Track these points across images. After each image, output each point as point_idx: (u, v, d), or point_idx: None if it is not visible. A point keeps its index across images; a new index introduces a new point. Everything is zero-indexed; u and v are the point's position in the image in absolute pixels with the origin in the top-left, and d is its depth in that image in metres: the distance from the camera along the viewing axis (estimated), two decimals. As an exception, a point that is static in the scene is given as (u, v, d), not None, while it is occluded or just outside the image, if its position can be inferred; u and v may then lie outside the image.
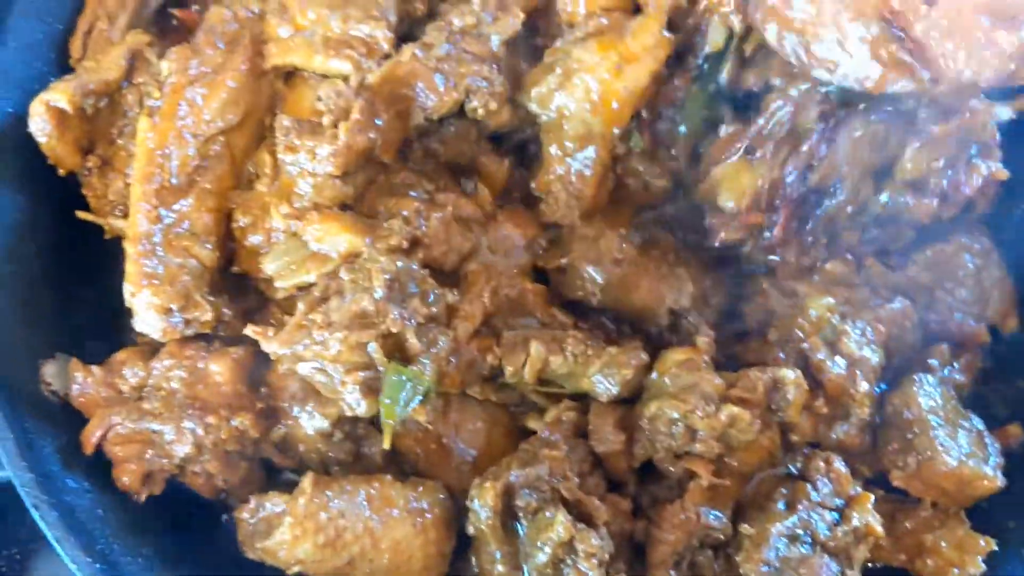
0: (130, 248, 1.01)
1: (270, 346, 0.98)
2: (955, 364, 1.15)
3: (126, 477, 1.01)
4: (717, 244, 1.11)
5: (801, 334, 1.08)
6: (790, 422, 1.03)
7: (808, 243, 1.12)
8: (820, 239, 1.13)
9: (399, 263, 0.98)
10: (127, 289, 1.00)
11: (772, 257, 1.13)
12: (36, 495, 0.94)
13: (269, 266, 1.03)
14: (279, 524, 0.97)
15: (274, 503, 0.99)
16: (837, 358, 1.06)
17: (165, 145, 1.03)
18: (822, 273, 1.14)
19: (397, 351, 0.97)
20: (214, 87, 1.05)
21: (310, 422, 1.03)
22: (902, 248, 1.17)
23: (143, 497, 1.02)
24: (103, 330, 1.09)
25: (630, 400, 1.06)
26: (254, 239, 1.06)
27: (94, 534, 0.97)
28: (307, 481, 0.98)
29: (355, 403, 0.96)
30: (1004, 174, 1.10)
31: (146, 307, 0.99)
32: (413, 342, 0.96)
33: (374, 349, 0.95)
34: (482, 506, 0.98)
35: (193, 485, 1.05)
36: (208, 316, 1.02)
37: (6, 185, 1.08)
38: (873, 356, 1.07)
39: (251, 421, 1.01)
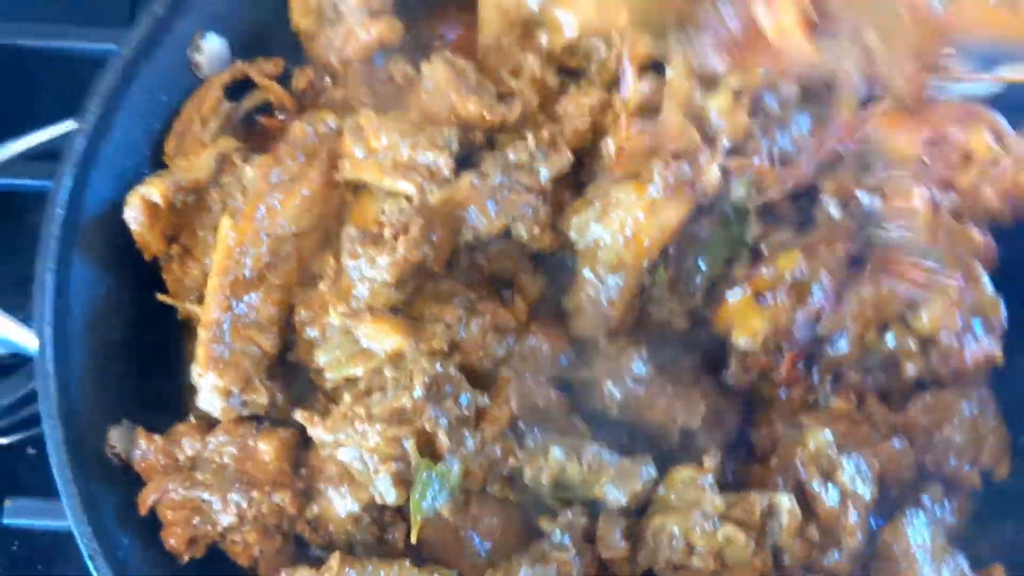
0: (202, 333, 1.12)
1: (315, 431, 1.08)
2: (947, 504, 1.22)
3: (173, 539, 1.11)
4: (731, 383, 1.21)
5: (799, 463, 1.15)
6: (783, 546, 1.10)
7: (813, 383, 1.22)
8: (825, 379, 1.22)
9: (438, 367, 1.09)
10: (195, 370, 1.11)
11: (778, 392, 1.23)
12: (93, 547, 1.04)
13: (322, 358, 1.14)
14: None
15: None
16: (831, 489, 1.13)
17: (243, 243, 1.15)
18: (825, 409, 1.23)
19: (428, 447, 1.07)
20: (291, 195, 1.18)
21: (342, 504, 1.12)
22: (903, 390, 1.26)
23: (186, 558, 1.12)
24: (167, 402, 1.20)
25: (637, 511, 1.14)
26: (311, 332, 1.17)
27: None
28: (335, 560, 1.07)
29: (386, 491, 1.06)
30: (998, 357, 1.20)
31: (210, 388, 1.10)
32: (443, 440, 1.06)
33: (410, 446, 1.05)
34: None
35: (231, 552, 1.14)
36: (264, 400, 1.12)
37: (95, 263, 1.20)
38: (867, 491, 1.14)
39: (290, 499, 1.11)
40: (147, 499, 1.10)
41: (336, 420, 1.07)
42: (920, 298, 1.21)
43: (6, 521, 1.29)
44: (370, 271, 1.13)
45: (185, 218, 1.23)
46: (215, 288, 1.14)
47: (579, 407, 1.22)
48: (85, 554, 1.04)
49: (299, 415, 1.09)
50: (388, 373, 1.09)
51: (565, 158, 1.21)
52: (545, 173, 1.20)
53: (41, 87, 1.61)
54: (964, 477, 1.24)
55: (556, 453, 1.12)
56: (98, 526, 1.07)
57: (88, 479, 1.09)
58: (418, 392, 1.06)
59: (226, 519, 1.10)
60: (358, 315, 1.13)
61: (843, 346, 1.19)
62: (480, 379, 1.16)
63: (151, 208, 1.19)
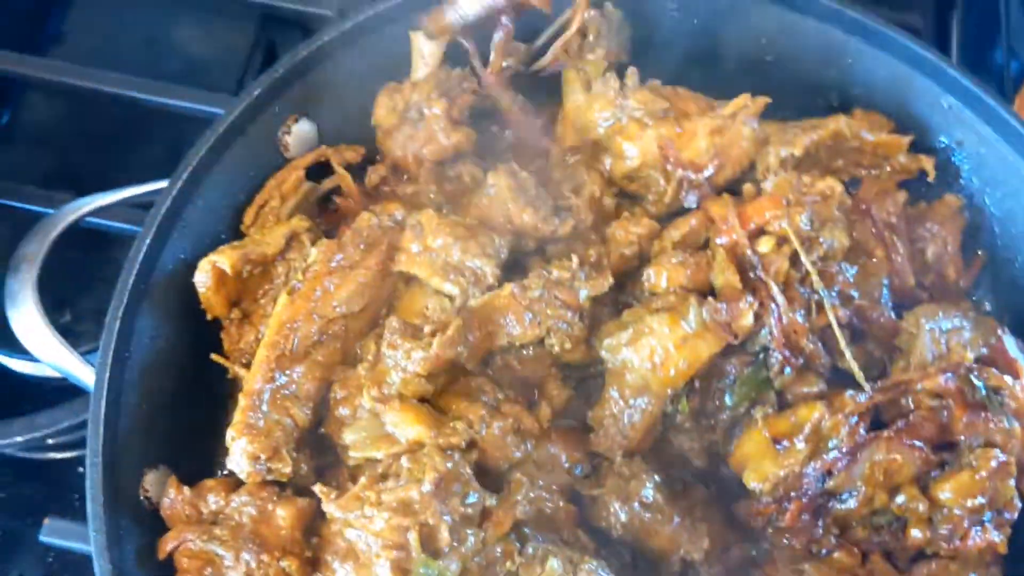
0: (243, 400, 1.20)
1: (329, 507, 1.14)
2: None
3: None
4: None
5: None
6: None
7: (817, 534, 1.23)
8: (830, 531, 1.23)
9: (448, 464, 1.13)
10: (230, 433, 1.19)
11: (783, 537, 1.25)
12: (110, 585, 1.12)
13: (348, 436, 1.21)
14: None
15: None
16: None
17: (295, 320, 1.23)
18: (828, 560, 1.24)
19: (429, 540, 1.11)
20: (347, 280, 1.26)
21: None
22: (909, 551, 1.26)
23: None
24: (204, 457, 1.28)
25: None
26: (343, 411, 1.24)
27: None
28: None
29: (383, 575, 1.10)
30: (1001, 548, 1.20)
31: (240, 452, 1.18)
32: (445, 536, 1.11)
33: (412, 538, 1.10)
34: None
35: None
36: (287, 470, 1.19)
37: (160, 315, 1.29)
38: None
39: (297, 567, 1.16)
40: (166, 545, 1.17)
41: (348, 500, 1.13)
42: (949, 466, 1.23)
43: (43, 538, 1.39)
44: (404, 361, 1.20)
45: (249, 286, 1.32)
46: (262, 359, 1.22)
47: (586, 522, 1.26)
48: (102, 592, 1.12)
49: (317, 488, 1.15)
50: (404, 463, 1.14)
51: (606, 282, 1.27)
52: (584, 293, 1.26)
53: (155, 139, 1.75)
54: None
55: (554, 564, 1.15)
56: (118, 563, 1.14)
57: (118, 518, 1.17)
58: (427, 487, 1.11)
59: (233, 574, 1.16)
60: (388, 400, 1.19)
61: (851, 503, 1.21)
62: (492, 478, 1.21)
63: (220, 275, 1.28)
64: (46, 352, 1.31)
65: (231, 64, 1.79)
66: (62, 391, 1.52)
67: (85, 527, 1.26)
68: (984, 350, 1.30)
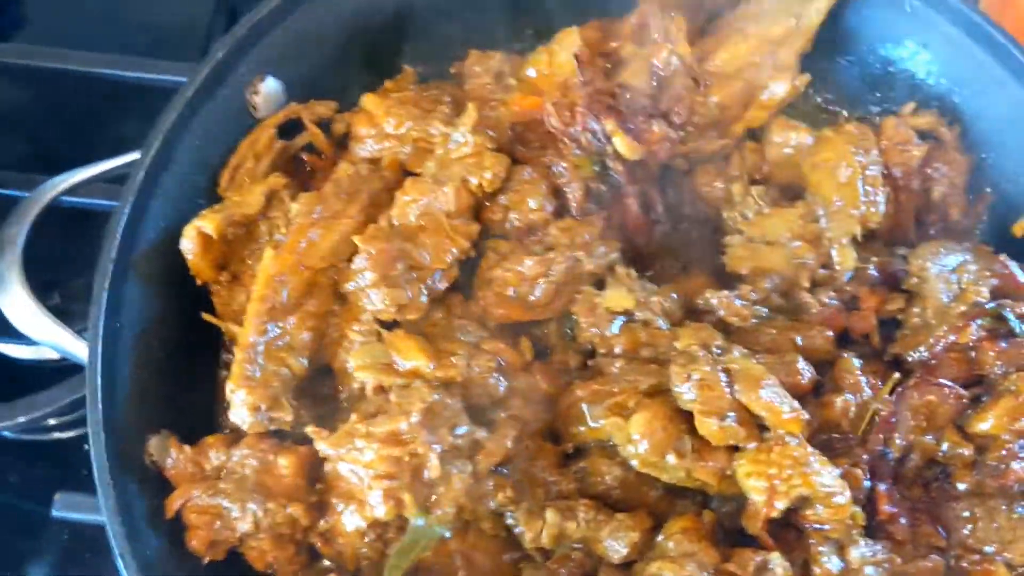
0: (238, 353, 1.22)
1: (320, 445, 1.17)
2: None
3: (195, 541, 1.20)
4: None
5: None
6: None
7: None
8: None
9: (435, 396, 1.15)
10: (229, 386, 1.21)
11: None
12: (123, 546, 1.14)
13: (352, 361, 1.22)
14: None
15: None
16: (835, 559, 1.15)
17: (282, 273, 1.24)
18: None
19: (419, 471, 1.13)
20: (331, 230, 1.27)
21: (351, 519, 1.19)
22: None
23: (207, 560, 1.21)
24: (203, 416, 1.30)
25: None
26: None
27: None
28: None
29: (376, 505, 1.13)
30: None
31: (240, 403, 1.19)
32: (434, 464, 1.13)
33: (409, 501, 1.11)
34: None
35: (248, 557, 1.23)
36: (288, 417, 1.21)
37: (148, 285, 1.30)
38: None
39: (302, 511, 1.19)
40: (173, 504, 1.20)
41: (340, 436, 1.15)
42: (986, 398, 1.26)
43: (55, 513, 1.41)
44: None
45: (235, 248, 1.33)
46: (253, 314, 1.23)
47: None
48: (116, 552, 1.14)
49: (310, 429, 1.17)
50: (393, 398, 1.16)
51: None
52: None
53: (127, 114, 1.75)
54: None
55: (553, 514, 1.18)
56: (130, 527, 1.16)
57: (125, 483, 1.19)
58: (415, 417, 1.13)
59: (243, 526, 1.19)
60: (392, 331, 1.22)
61: (916, 459, 1.24)
62: (478, 416, 1.22)
63: (205, 239, 1.29)
64: (39, 331, 1.32)
65: (195, 32, 1.79)
66: (60, 372, 1.54)
67: (95, 498, 1.29)
68: (994, 281, 1.31)
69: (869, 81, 1.57)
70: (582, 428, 1.22)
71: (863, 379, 1.25)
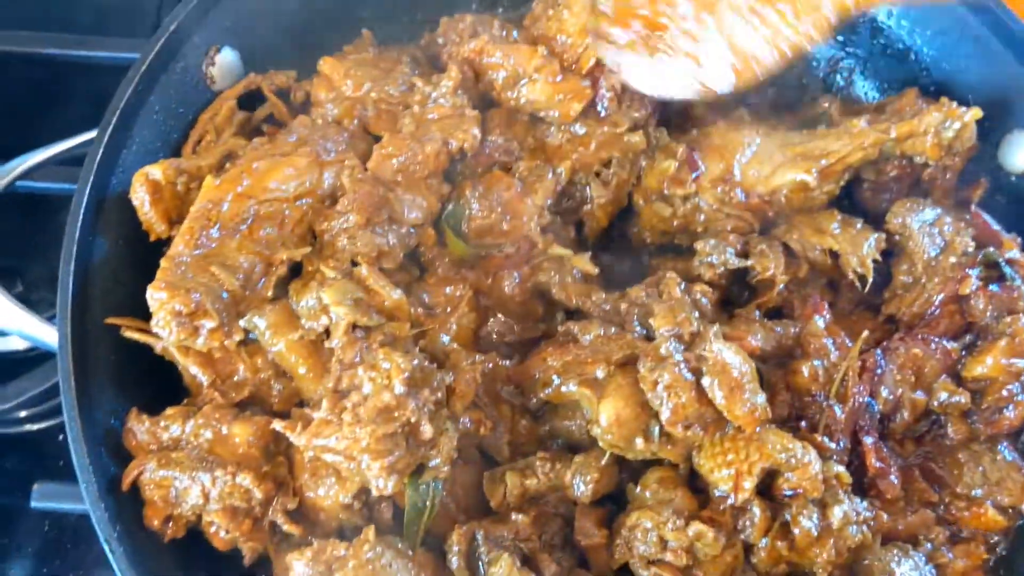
0: (164, 263, 1.19)
1: (299, 440, 1.12)
2: (948, 551, 1.24)
3: (151, 514, 1.18)
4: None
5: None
6: (753, 543, 1.15)
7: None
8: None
9: (415, 361, 1.13)
10: (149, 291, 1.16)
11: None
12: (108, 531, 1.12)
13: (327, 295, 1.18)
14: (342, 567, 1.11)
15: (336, 548, 1.12)
16: (816, 518, 1.15)
17: (222, 201, 1.21)
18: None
19: (413, 436, 1.12)
20: (275, 167, 1.25)
21: (329, 494, 1.17)
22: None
23: (167, 537, 1.18)
24: (178, 395, 1.27)
25: (617, 504, 1.20)
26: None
27: (152, 571, 1.14)
28: (370, 532, 1.12)
29: (382, 484, 1.11)
30: None
31: (158, 304, 1.15)
32: (427, 428, 1.11)
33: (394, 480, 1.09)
34: (448, 548, 1.15)
35: (207, 535, 1.20)
36: (213, 324, 1.15)
37: (116, 265, 1.28)
38: (856, 536, 1.16)
39: (254, 480, 1.16)
40: (128, 476, 1.17)
41: (319, 426, 1.11)
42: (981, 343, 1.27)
43: (34, 504, 1.39)
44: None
45: (189, 202, 1.27)
46: (185, 230, 1.20)
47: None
48: (101, 538, 1.12)
49: (278, 425, 1.14)
50: (362, 373, 1.12)
51: None
52: None
53: (76, 95, 1.70)
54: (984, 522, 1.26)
55: (511, 477, 1.20)
56: (113, 512, 1.14)
57: (106, 468, 1.17)
58: (399, 389, 1.11)
59: (191, 498, 1.16)
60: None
61: (905, 415, 1.26)
62: (435, 358, 1.21)
63: (154, 186, 1.25)
64: (5, 320, 1.29)
65: (145, 7, 1.74)
66: (27, 362, 1.51)
67: (74, 487, 1.25)
68: (970, 231, 1.33)
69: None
70: (549, 391, 1.22)
71: (828, 341, 1.26)
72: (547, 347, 1.24)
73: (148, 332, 1.21)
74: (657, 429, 1.14)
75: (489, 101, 1.39)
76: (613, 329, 1.21)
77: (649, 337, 1.19)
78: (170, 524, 1.18)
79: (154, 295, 1.16)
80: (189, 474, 1.16)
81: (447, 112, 1.30)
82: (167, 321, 1.15)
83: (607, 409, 1.14)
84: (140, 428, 1.20)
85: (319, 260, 1.22)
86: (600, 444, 1.16)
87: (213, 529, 1.18)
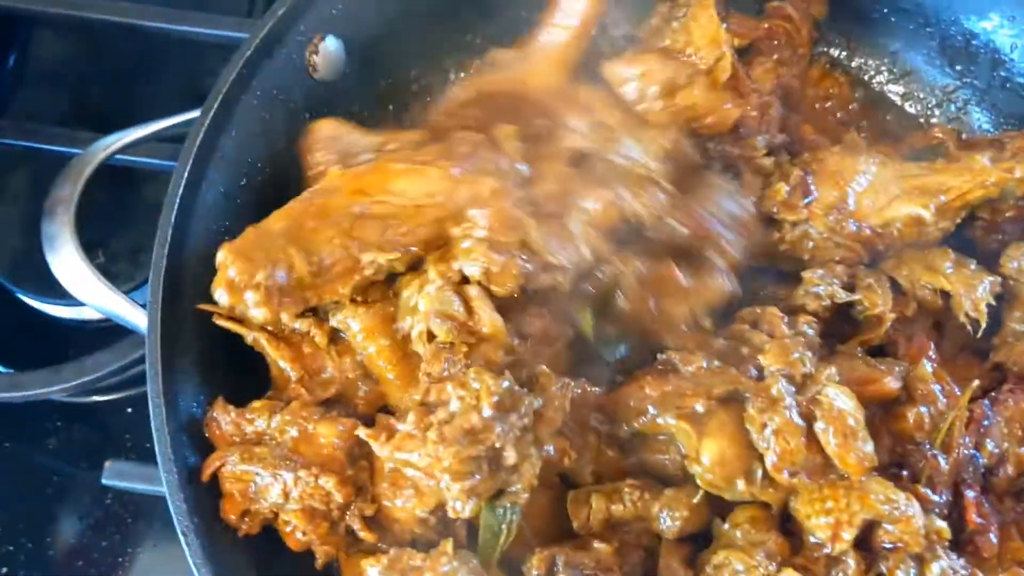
0: (250, 229, 1.17)
1: (383, 451, 1.09)
2: None
3: (228, 509, 1.16)
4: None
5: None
6: (846, 594, 1.11)
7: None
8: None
9: (504, 383, 1.09)
10: (219, 249, 1.15)
11: None
12: (186, 524, 1.10)
13: (422, 302, 1.15)
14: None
15: (413, 558, 1.10)
16: (913, 573, 1.09)
17: (336, 190, 1.19)
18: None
19: (495, 461, 1.08)
20: (410, 172, 1.21)
21: (406, 506, 1.15)
22: None
23: (242, 532, 1.17)
24: (260, 388, 1.25)
25: (703, 542, 1.16)
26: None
27: (224, 564, 1.13)
28: (448, 545, 1.10)
29: (461, 508, 1.08)
30: None
31: (220, 266, 1.14)
32: (511, 454, 1.08)
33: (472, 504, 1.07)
34: (527, 572, 1.12)
35: (282, 534, 1.18)
36: (264, 315, 1.14)
37: (208, 250, 1.23)
38: None
39: (336, 484, 1.13)
40: (209, 467, 1.16)
41: (402, 439, 1.09)
42: None
43: (105, 481, 1.38)
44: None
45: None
46: (287, 207, 1.19)
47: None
48: (179, 529, 1.11)
49: (362, 433, 1.12)
50: (451, 390, 1.09)
51: None
52: None
53: (173, 70, 1.71)
54: None
55: (597, 499, 1.16)
56: (193, 503, 1.13)
57: (186, 458, 1.16)
58: (487, 412, 1.07)
59: (272, 495, 1.14)
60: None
61: (1009, 469, 1.21)
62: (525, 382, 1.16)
63: None
64: (92, 296, 1.28)
65: (240, -14, 1.72)
66: (102, 333, 1.51)
67: (146, 467, 1.26)
68: None
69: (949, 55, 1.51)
70: (644, 420, 1.18)
71: (936, 387, 1.20)
72: (645, 375, 1.19)
73: (239, 321, 1.20)
74: (760, 472, 1.10)
75: None
76: (716, 362, 1.17)
77: (758, 375, 1.15)
78: (246, 519, 1.17)
79: (219, 256, 1.15)
80: (271, 471, 1.14)
81: (635, 169, 1.24)
82: (219, 282, 1.14)
83: (710, 448, 1.10)
84: (225, 419, 1.18)
85: (433, 262, 1.18)
86: (698, 482, 1.12)
87: (289, 529, 1.16)
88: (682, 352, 1.19)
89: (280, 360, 1.20)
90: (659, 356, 1.21)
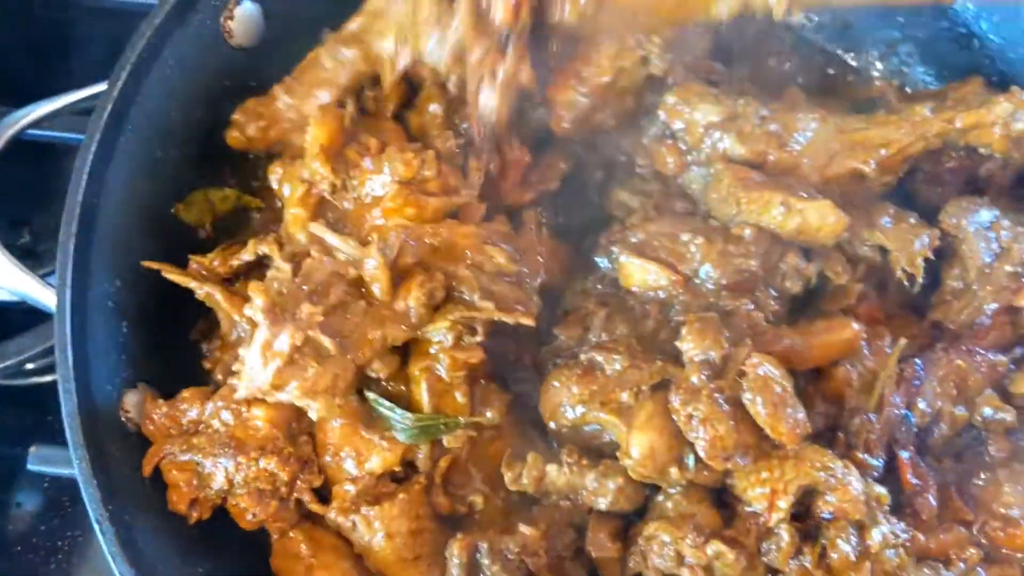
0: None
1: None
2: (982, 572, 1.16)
3: (176, 499, 1.15)
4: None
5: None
6: (778, 568, 1.08)
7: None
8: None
9: None
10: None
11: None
12: (100, 512, 1.07)
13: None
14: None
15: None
16: (854, 541, 1.08)
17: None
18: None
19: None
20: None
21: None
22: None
23: (192, 519, 1.15)
24: (183, 370, 1.22)
25: (635, 515, 1.14)
26: None
27: (144, 552, 1.10)
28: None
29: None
30: None
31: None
32: None
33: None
34: (448, 558, 1.10)
35: (234, 515, 1.17)
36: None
37: (120, 227, 1.21)
38: (894, 560, 1.08)
39: (278, 464, 1.12)
40: (149, 462, 1.14)
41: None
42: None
43: (30, 467, 1.35)
44: None
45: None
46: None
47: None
48: (92, 518, 1.07)
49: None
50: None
51: None
52: None
53: (92, 39, 1.63)
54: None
55: (534, 456, 1.14)
56: (106, 488, 1.09)
57: (101, 444, 1.12)
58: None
59: (216, 483, 1.13)
60: None
61: (944, 428, 1.18)
62: None
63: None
64: (3, 277, 1.23)
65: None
66: (31, 314, 1.46)
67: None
68: None
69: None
70: (572, 417, 1.15)
71: (864, 345, 1.18)
72: (573, 374, 1.15)
73: (188, 275, 1.17)
74: (692, 458, 1.07)
75: None
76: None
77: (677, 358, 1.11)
78: (196, 507, 1.15)
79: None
80: (212, 460, 1.13)
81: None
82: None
83: (639, 441, 1.07)
84: (158, 412, 1.15)
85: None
86: (631, 475, 1.09)
87: (238, 511, 1.15)
88: (604, 353, 1.14)
89: (234, 314, 1.18)
90: (581, 356, 1.16)
